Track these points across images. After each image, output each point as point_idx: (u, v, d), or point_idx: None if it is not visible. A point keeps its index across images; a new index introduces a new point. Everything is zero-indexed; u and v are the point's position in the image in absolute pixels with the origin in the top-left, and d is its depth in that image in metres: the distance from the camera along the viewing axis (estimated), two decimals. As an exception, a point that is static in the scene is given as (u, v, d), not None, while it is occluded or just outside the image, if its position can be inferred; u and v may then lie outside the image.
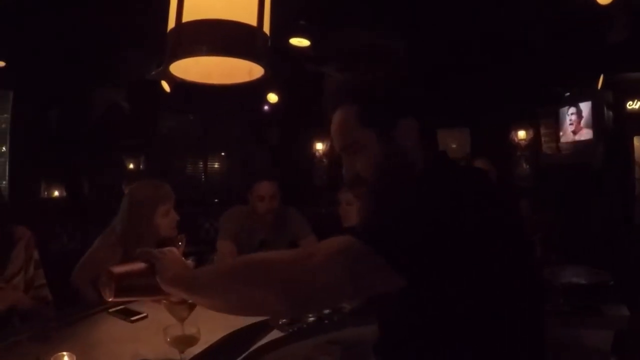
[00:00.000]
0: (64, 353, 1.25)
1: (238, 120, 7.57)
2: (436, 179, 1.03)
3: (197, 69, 1.64)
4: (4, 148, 5.82)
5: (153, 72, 5.10)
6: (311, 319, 1.86)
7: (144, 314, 1.84)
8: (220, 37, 1.50)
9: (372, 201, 1.08)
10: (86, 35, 4.77)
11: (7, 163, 5.69)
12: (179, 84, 5.69)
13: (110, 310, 1.89)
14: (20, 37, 4.76)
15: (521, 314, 1.02)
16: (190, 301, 1.19)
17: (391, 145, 1.10)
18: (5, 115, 5.88)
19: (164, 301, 1.19)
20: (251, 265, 0.97)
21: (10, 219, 1.99)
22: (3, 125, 5.92)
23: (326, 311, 1.91)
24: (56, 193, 5.84)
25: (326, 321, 1.87)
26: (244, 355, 1.56)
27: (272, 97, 6.64)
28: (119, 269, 1.08)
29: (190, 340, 1.32)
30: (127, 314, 1.85)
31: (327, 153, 8.17)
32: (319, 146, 8.17)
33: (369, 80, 1.17)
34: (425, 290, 0.91)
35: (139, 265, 1.10)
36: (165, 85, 5.74)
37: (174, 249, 1.14)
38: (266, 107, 7.36)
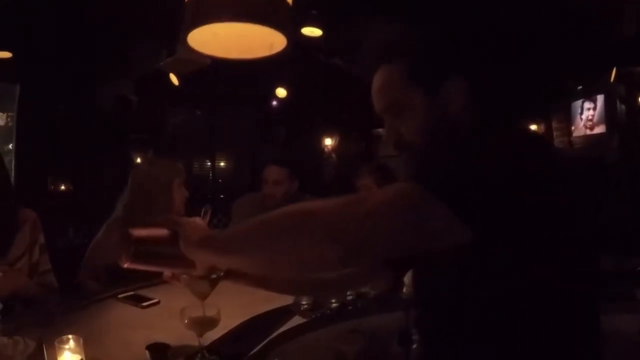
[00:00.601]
0: (70, 336, 1.13)
1: (246, 114, 7.46)
2: (494, 137, 0.91)
3: (216, 42, 1.52)
4: (10, 146, 5.73)
5: (163, 62, 4.99)
6: (334, 304, 1.76)
7: (156, 300, 1.72)
8: (241, 2, 1.39)
9: (424, 158, 0.96)
10: (93, 27, 4.67)
11: (14, 156, 5.60)
12: (187, 77, 5.63)
13: (120, 296, 1.78)
14: (26, 30, 4.68)
15: (580, 297, 0.91)
16: (213, 276, 1.06)
17: (440, 106, 0.98)
18: (11, 113, 5.79)
19: (184, 276, 1.07)
20: (294, 214, 0.84)
21: (16, 203, 1.88)
22: (10, 124, 5.83)
23: (349, 297, 1.81)
24: (62, 187, 5.74)
25: (350, 307, 1.78)
26: (265, 341, 1.44)
27: (281, 92, 6.53)
28: (139, 232, 0.96)
29: (210, 323, 1.20)
30: (137, 300, 1.73)
31: (336, 149, 8.07)
32: (328, 142, 8.05)
33: (416, 36, 1.06)
34: (489, 250, 0.79)
35: (161, 231, 0.97)
36: (174, 78, 5.64)
37: (198, 218, 1.01)
38: (274, 103, 7.25)
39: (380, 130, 5.55)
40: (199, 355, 1.20)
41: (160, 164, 2.28)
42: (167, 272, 1.05)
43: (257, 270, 0.96)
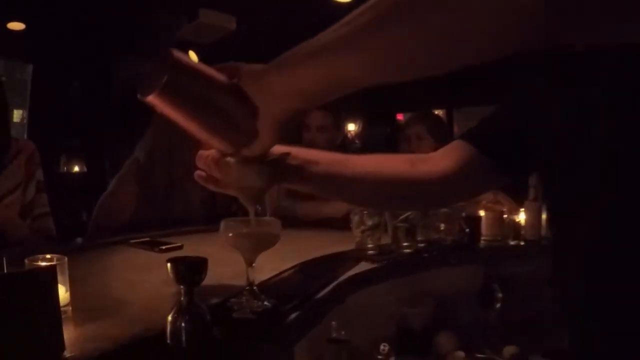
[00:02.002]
0: (47, 255, 0.73)
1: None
2: None
3: None
4: (24, 137, 5.43)
5: (184, 29, 4.64)
6: (406, 250, 1.41)
7: (178, 244, 1.32)
8: None
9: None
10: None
11: (25, 136, 5.29)
12: (206, 55, 5.28)
13: (132, 241, 1.38)
14: (39, 5, 4.38)
15: None
16: (271, 158, 0.66)
17: None
18: (22, 111, 5.48)
19: (228, 159, 0.66)
20: None
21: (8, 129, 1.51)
22: (24, 121, 5.53)
23: (422, 244, 1.47)
24: (76, 168, 5.41)
25: (425, 255, 1.44)
26: (330, 287, 1.03)
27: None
28: (182, 56, 0.55)
29: (267, 239, 0.78)
30: (153, 245, 1.33)
31: (360, 134, 7.66)
32: (351, 127, 7.65)
33: None
34: None
35: (215, 73, 0.57)
36: (193, 55, 5.30)
37: None
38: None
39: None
40: (247, 290, 0.79)
41: None
42: (203, 137, 0.64)
43: (394, 73, 0.49)
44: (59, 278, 0.73)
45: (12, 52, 5.07)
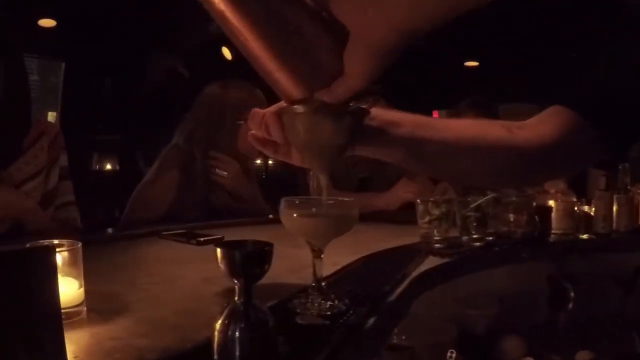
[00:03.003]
0: (55, 241, 0.56)
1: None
2: None
3: None
4: None
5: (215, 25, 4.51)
6: (477, 244, 1.26)
7: (218, 236, 1.14)
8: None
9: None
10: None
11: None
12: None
13: (165, 233, 1.21)
14: (70, 1, 4.33)
15: None
16: (353, 108, 0.48)
17: None
18: (55, 113, 5.46)
19: (296, 107, 0.48)
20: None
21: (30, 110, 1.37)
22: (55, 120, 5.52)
23: (490, 237, 1.31)
24: (109, 166, 5.37)
25: (496, 248, 1.29)
26: (404, 284, 0.83)
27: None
28: None
29: (344, 222, 0.59)
30: (189, 237, 1.16)
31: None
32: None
33: None
34: None
35: None
36: (227, 52, 5.20)
37: None
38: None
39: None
40: (314, 288, 0.61)
41: (234, 86, 1.75)
42: (271, 71, 0.46)
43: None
44: (70, 270, 0.56)
45: (43, 49, 5.05)
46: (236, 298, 0.43)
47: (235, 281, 0.43)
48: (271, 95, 0.54)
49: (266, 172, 5.40)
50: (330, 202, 0.58)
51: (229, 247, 0.42)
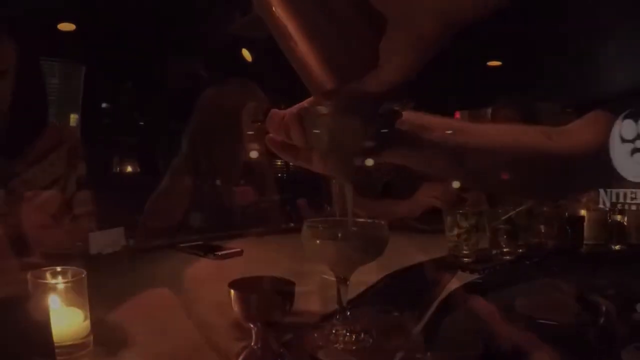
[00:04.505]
0: (58, 268, 0.52)
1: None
2: None
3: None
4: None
5: (236, 24, 4.50)
6: (507, 257, 1.19)
7: (237, 249, 1.09)
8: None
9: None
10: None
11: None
12: (261, 53, 5.14)
13: (182, 245, 1.17)
14: (89, 5, 4.35)
15: None
16: (384, 110, 0.43)
17: None
18: (76, 115, 5.51)
19: (321, 107, 0.43)
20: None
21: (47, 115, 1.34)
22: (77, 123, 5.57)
23: (520, 250, 1.24)
24: (129, 169, 5.38)
25: (527, 262, 1.22)
26: (436, 303, 0.78)
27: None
28: None
29: (374, 247, 0.55)
30: (207, 250, 1.12)
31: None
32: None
33: None
34: None
35: None
36: (247, 54, 5.17)
37: None
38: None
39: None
40: (339, 319, 0.56)
41: (229, 83, 1.73)
42: (298, 53, 0.41)
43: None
44: (75, 299, 0.52)
45: (64, 53, 5.10)
46: (252, 343, 0.38)
47: (252, 326, 0.38)
48: (287, 97, 0.49)
49: (287, 173, 5.33)
50: (358, 222, 0.53)
51: (241, 289, 0.37)
